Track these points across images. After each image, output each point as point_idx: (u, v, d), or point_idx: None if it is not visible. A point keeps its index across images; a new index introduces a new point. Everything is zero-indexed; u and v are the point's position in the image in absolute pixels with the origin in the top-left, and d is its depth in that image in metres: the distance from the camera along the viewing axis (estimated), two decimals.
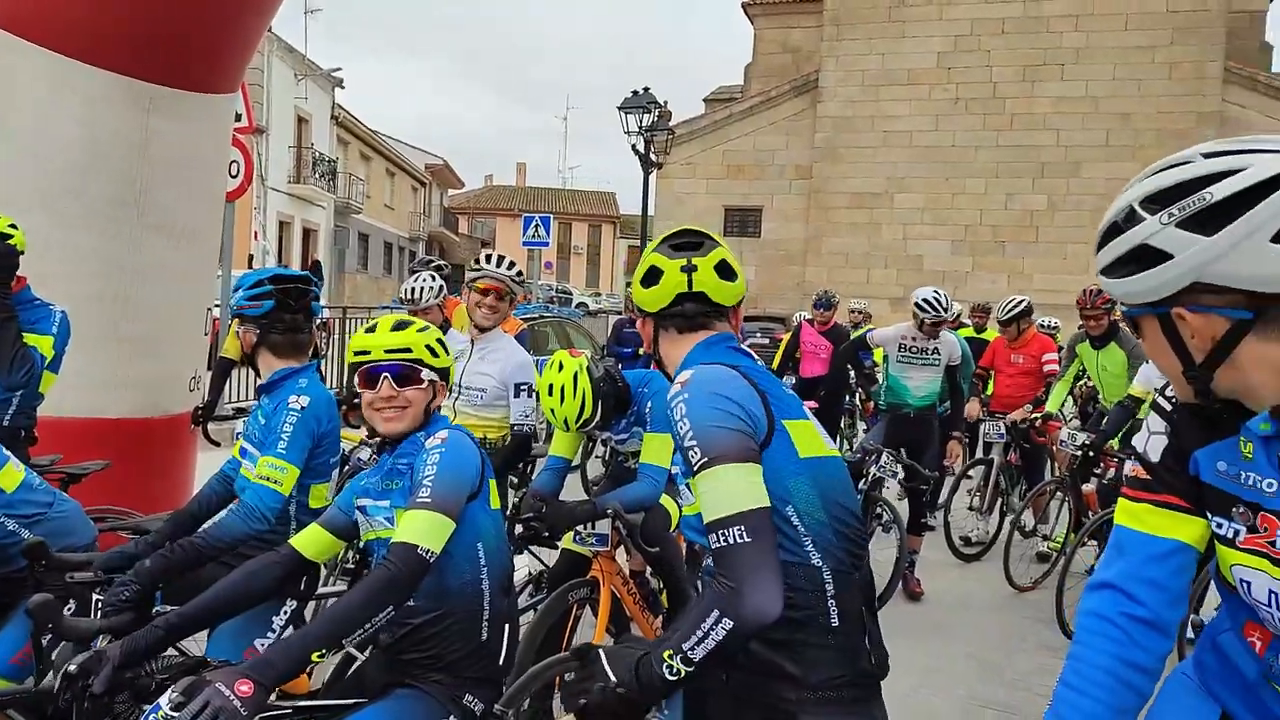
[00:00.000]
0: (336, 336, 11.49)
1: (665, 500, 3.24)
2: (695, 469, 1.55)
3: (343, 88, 30.52)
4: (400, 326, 2.19)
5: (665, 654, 1.49)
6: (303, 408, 2.60)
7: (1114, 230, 1.25)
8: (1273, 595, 1.24)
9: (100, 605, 2.15)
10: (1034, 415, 6.31)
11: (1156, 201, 1.19)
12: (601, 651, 1.56)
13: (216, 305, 5.85)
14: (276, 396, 2.66)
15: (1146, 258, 1.20)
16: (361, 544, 2.26)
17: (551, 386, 3.16)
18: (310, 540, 2.18)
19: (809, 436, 1.67)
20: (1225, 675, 1.43)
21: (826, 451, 1.69)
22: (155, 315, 4.68)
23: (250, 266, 21.02)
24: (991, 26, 23.08)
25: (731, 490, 1.52)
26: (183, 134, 4.71)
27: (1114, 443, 5.34)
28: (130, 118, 4.49)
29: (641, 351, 6.77)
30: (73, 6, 4.26)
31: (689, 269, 1.77)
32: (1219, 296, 1.15)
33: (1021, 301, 6.99)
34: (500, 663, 2.16)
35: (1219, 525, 1.30)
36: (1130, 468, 1.42)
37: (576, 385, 3.12)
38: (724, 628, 1.46)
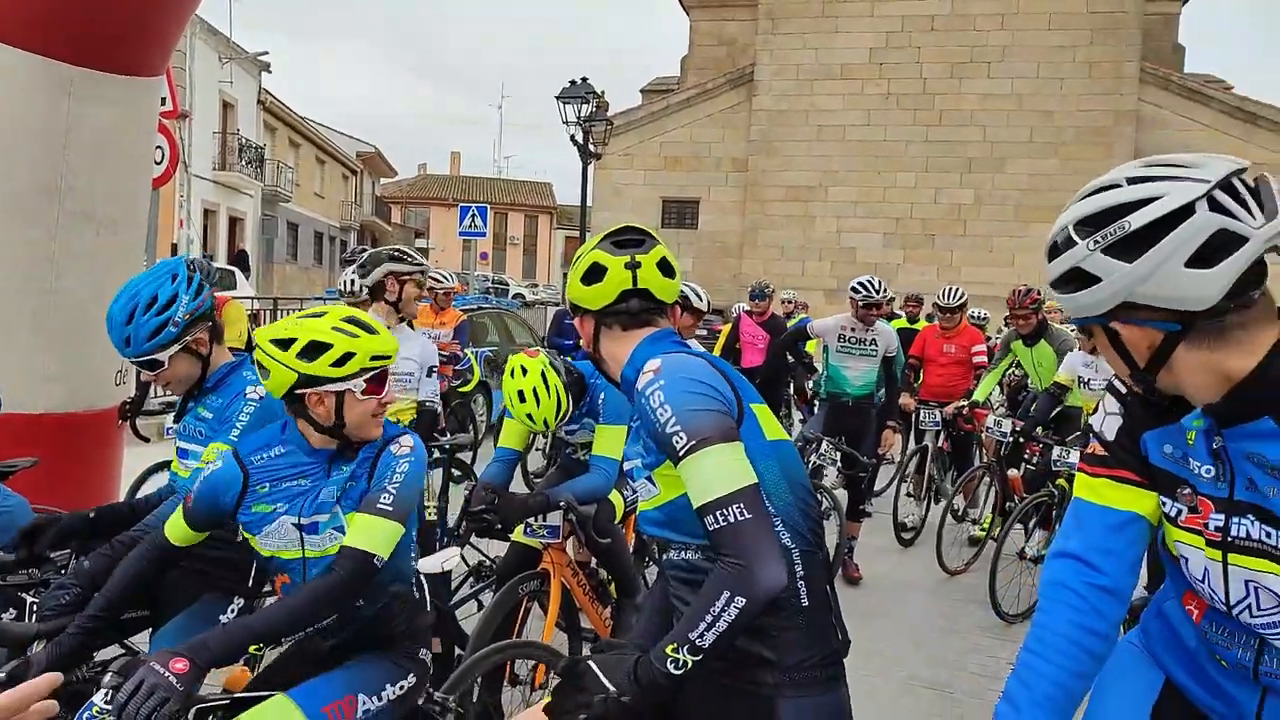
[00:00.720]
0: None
1: (611, 494, 3.26)
2: (681, 454, 1.55)
3: (269, 72, 29.61)
4: (365, 327, 2.07)
5: (668, 649, 1.49)
6: (260, 397, 2.52)
7: (1055, 250, 1.33)
8: (1206, 571, 1.33)
9: (35, 609, 2.08)
10: (961, 404, 6.52)
11: (1088, 225, 1.28)
12: (591, 663, 1.55)
13: None
14: (226, 390, 2.58)
15: (1080, 279, 1.28)
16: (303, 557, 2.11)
17: (522, 393, 3.10)
18: (176, 528, 2.11)
19: (770, 420, 1.71)
20: (1169, 642, 1.52)
21: (784, 434, 1.74)
22: (80, 307, 4.50)
23: (174, 255, 20.31)
24: (921, 24, 23.60)
25: (725, 470, 1.53)
26: (107, 119, 4.53)
27: (1040, 429, 5.54)
28: (51, 101, 4.30)
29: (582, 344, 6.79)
30: None
31: (633, 265, 1.75)
32: (1152, 311, 1.24)
33: (964, 294, 7.22)
34: (426, 608, 2.21)
35: (1165, 504, 1.38)
36: (1090, 445, 1.50)
37: (548, 384, 3.10)
38: (736, 606, 1.47)
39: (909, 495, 6.80)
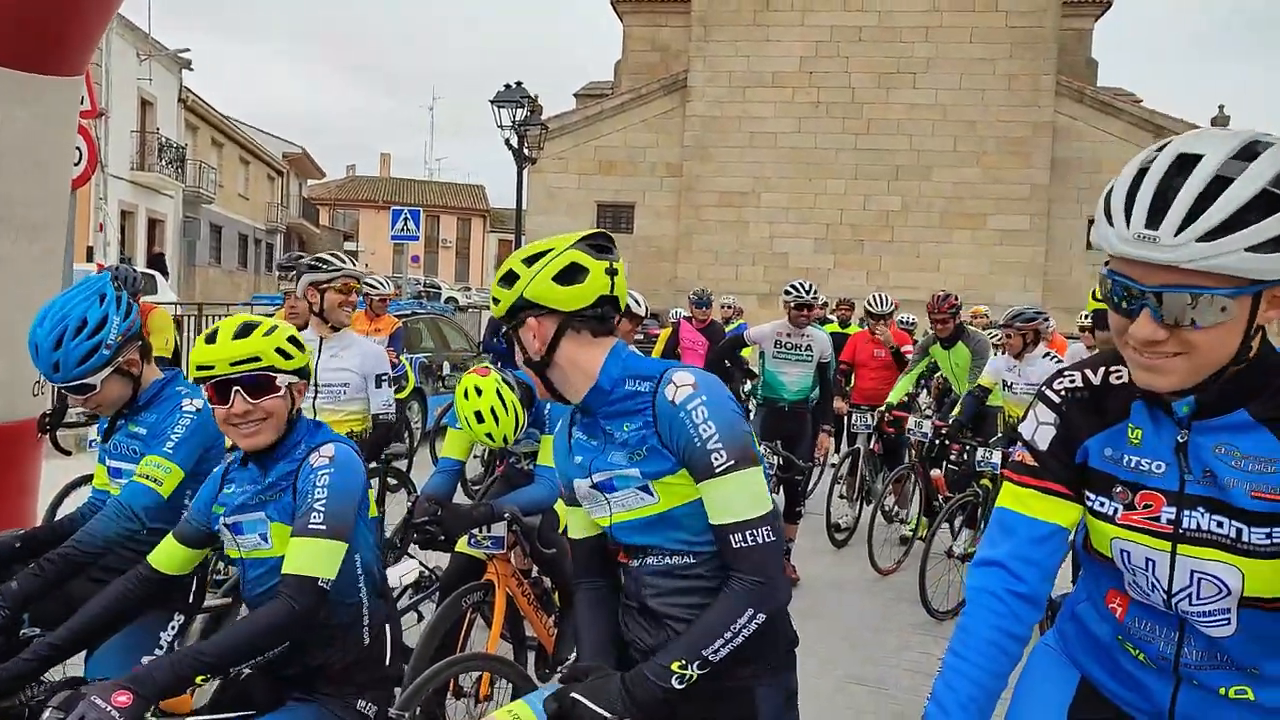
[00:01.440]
0: (190, 335, 10.86)
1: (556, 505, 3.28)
2: (716, 470, 1.61)
3: (190, 69, 28.72)
4: (244, 332, 2.02)
5: (674, 665, 1.57)
6: (197, 410, 2.47)
7: (1274, 200, 1.19)
8: (1150, 562, 1.40)
9: None
10: (882, 408, 6.70)
11: None
12: (576, 694, 1.59)
13: None
14: (160, 406, 2.52)
15: None
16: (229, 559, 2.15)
17: (480, 413, 3.08)
18: (166, 555, 2.09)
19: None
20: (1085, 642, 1.61)
21: None
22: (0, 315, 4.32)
23: (90, 259, 19.51)
24: (849, 34, 24.13)
25: (757, 493, 1.63)
26: (25, 120, 4.36)
27: (963, 431, 5.74)
28: None
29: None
30: None
31: (612, 272, 1.74)
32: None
33: (894, 300, 7.44)
34: (387, 664, 2.13)
35: (1101, 504, 1.44)
36: (1017, 453, 1.54)
37: (504, 402, 3.08)
38: (756, 622, 1.59)
39: (842, 497, 6.96)
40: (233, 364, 1.98)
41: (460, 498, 6.16)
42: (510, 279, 1.73)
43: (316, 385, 4.01)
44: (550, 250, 1.72)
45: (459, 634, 3.21)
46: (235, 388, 1.98)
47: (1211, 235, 1.18)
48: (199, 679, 1.77)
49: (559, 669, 1.95)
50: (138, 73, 25.56)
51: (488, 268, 52.83)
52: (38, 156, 4.50)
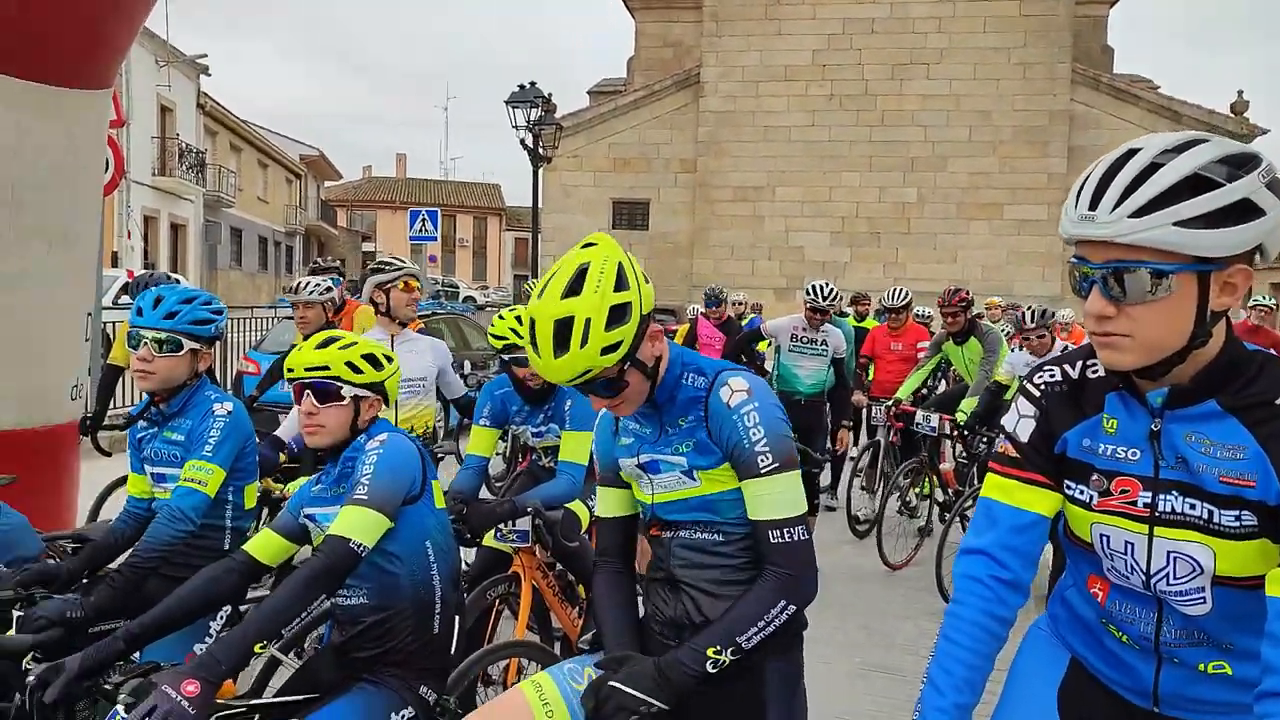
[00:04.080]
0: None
1: (575, 505, 3.38)
2: (762, 471, 1.75)
3: (208, 75, 29.06)
4: (325, 344, 2.25)
5: (709, 650, 1.70)
6: (229, 413, 2.63)
7: (1200, 184, 1.29)
8: (1129, 545, 1.49)
9: (20, 622, 2.14)
10: (889, 402, 6.74)
11: (1228, 164, 1.30)
12: (614, 683, 1.70)
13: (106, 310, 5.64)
14: (192, 411, 2.66)
15: (1249, 211, 1.29)
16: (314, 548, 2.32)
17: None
18: (262, 545, 2.24)
19: None
20: (1073, 624, 1.70)
21: None
22: (33, 323, 4.47)
23: (115, 265, 19.83)
24: (862, 26, 24.05)
25: (794, 494, 1.77)
26: (57, 132, 4.51)
27: (963, 415, 5.80)
28: (1, 116, 4.27)
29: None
30: None
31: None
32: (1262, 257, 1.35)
33: (908, 293, 7.48)
34: (451, 653, 2.27)
35: (1079, 491, 1.53)
36: (999, 445, 1.63)
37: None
38: (787, 613, 1.73)
39: (862, 489, 7.02)
40: (306, 369, 2.20)
41: (483, 494, 6.30)
42: (621, 315, 1.68)
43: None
44: (589, 264, 1.71)
45: (486, 625, 3.32)
46: (306, 391, 2.20)
47: (1141, 212, 1.31)
48: (257, 647, 1.90)
49: (580, 643, 2.08)
50: (157, 79, 25.90)
51: (504, 266, 53.06)
52: (69, 168, 4.65)
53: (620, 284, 1.70)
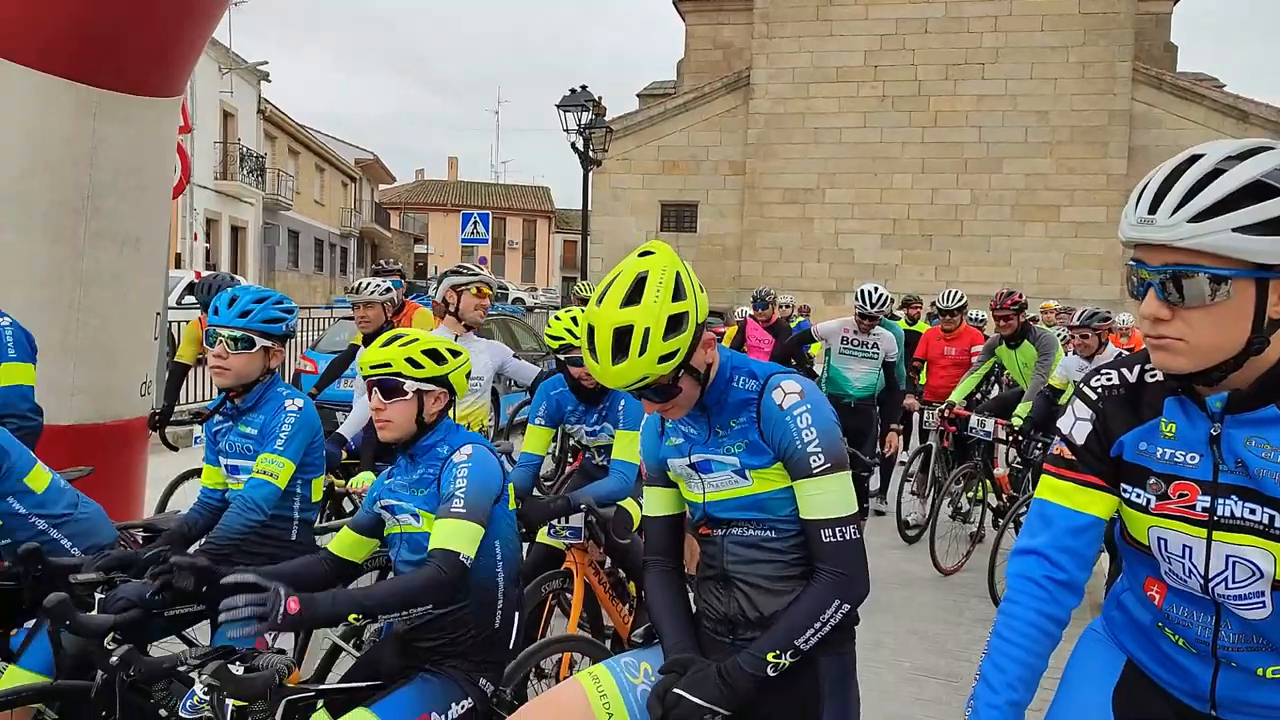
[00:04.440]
0: None
1: (627, 503, 3.43)
2: (814, 471, 1.79)
3: (269, 81, 29.81)
4: (388, 341, 2.34)
5: (769, 655, 1.75)
6: (299, 409, 2.74)
7: (1267, 190, 1.30)
8: (1187, 549, 1.48)
9: (103, 604, 2.25)
10: (942, 406, 6.66)
11: None
12: (678, 690, 1.75)
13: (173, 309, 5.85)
14: (265, 407, 2.76)
15: None
16: (386, 535, 2.43)
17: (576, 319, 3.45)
18: (341, 543, 2.38)
19: None
20: (1129, 627, 1.69)
21: None
22: (105, 322, 4.65)
23: (179, 266, 20.45)
24: (915, 26, 23.77)
25: (846, 495, 1.80)
26: (130, 139, 4.68)
27: (1018, 420, 5.71)
28: (77, 123, 4.44)
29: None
30: (11, 13, 4.19)
31: None
32: None
33: (964, 296, 7.38)
34: (510, 648, 2.35)
35: (1136, 495, 1.53)
36: (1055, 447, 1.63)
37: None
38: (842, 612, 1.76)
39: (913, 494, 6.95)
40: (371, 367, 2.29)
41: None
42: (678, 324, 1.73)
43: None
44: (647, 273, 1.76)
45: (539, 620, 3.38)
46: (374, 388, 2.30)
47: (1201, 216, 1.31)
48: (351, 617, 2.02)
49: (634, 637, 2.14)
50: (220, 86, 26.64)
51: (553, 268, 53.44)
52: (141, 173, 4.83)
53: (678, 294, 1.74)
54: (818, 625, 1.76)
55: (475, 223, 16.15)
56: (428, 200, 52.87)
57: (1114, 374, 1.58)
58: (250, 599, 1.84)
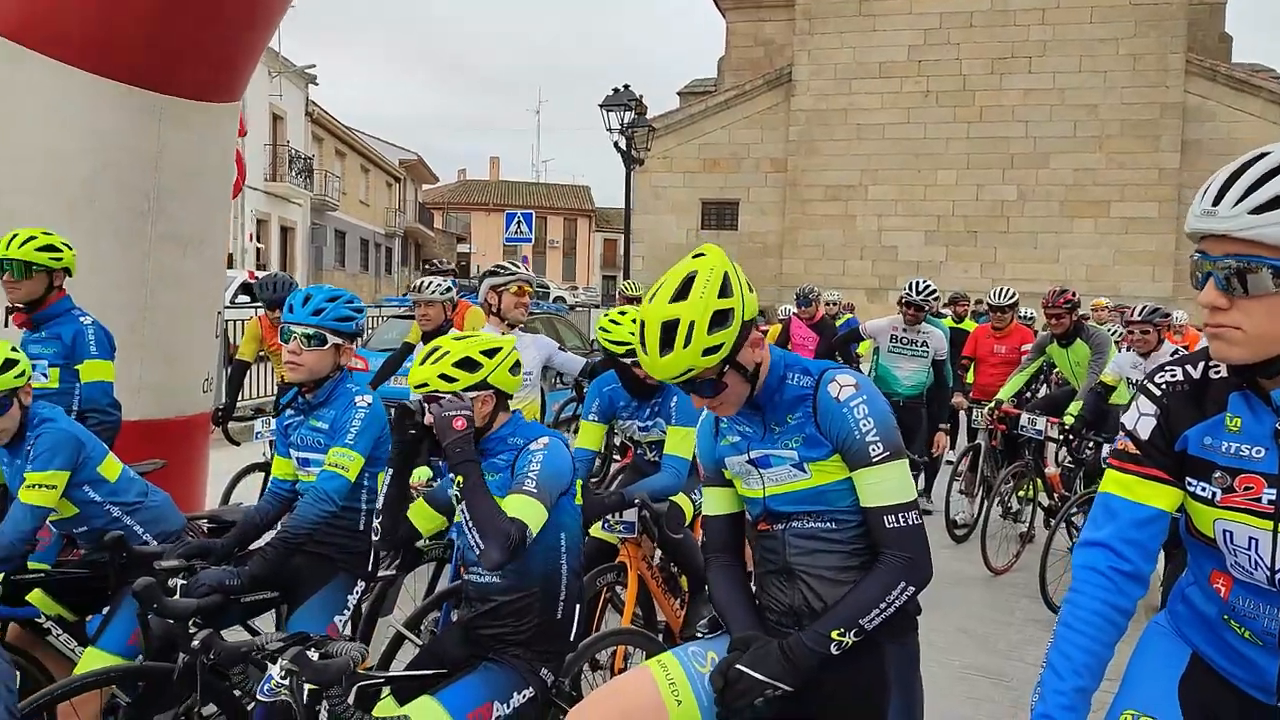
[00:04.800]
0: None
1: (679, 498, 3.48)
2: (874, 460, 1.84)
3: (316, 84, 30.35)
4: (423, 360, 2.41)
5: (833, 633, 1.80)
6: (368, 405, 2.84)
7: None
8: (1253, 541, 1.50)
9: (184, 589, 2.36)
10: (990, 404, 6.58)
11: None
12: (740, 666, 1.80)
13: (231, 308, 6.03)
14: (336, 402, 2.86)
15: None
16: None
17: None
18: (418, 514, 2.50)
19: None
20: (1193, 620, 1.71)
21: None
22: (170, 321, 4.81)
23: (230, 266, 20.92)
24: (960, 20, 23.46)
25: (905, 482, 1.86)
26: (192, 143, 4.83)
27: (1070, 419, 5.64)
28: (143, 129, 4.59)
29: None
30: (80, 20, 4.33)
31: None
32: None
33: (1015, 293, 7.30)
34: (570, 639, 2.41)
35: (1201, 488, 1.55)
36: (1119, 442, 1.66)
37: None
38: (907, 594, 1.82)
39: (961, 493, 6.90)
40: (416, 388, 2.38)
41: None
42: (723, 319, 1.81)
43: None
44: (696, 272, 1.84)
45: (593, 613, 3.44)
46: (424, 404, 2.36)
47: (1263, 209, 1.36)
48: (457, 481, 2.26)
49: (699, 628, 2.19)
50: (269, 89, 27.19)
51: (593, 267, 53.66)
52: (202, 176, 4.98)
53: (724, 291, 1.83)
54: (883, 606, 1.80)
55: (519, 222, 16.30)
56: (470, 200, 53.40)
57: (1178, 370, 1.60)
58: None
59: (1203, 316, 1.46)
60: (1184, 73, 22.01)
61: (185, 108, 4.77)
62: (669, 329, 1.80)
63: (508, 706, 2.26)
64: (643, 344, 1.84)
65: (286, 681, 1.87)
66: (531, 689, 2.32)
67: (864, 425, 1.84)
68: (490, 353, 2.41)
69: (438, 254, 46.27)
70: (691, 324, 1.78)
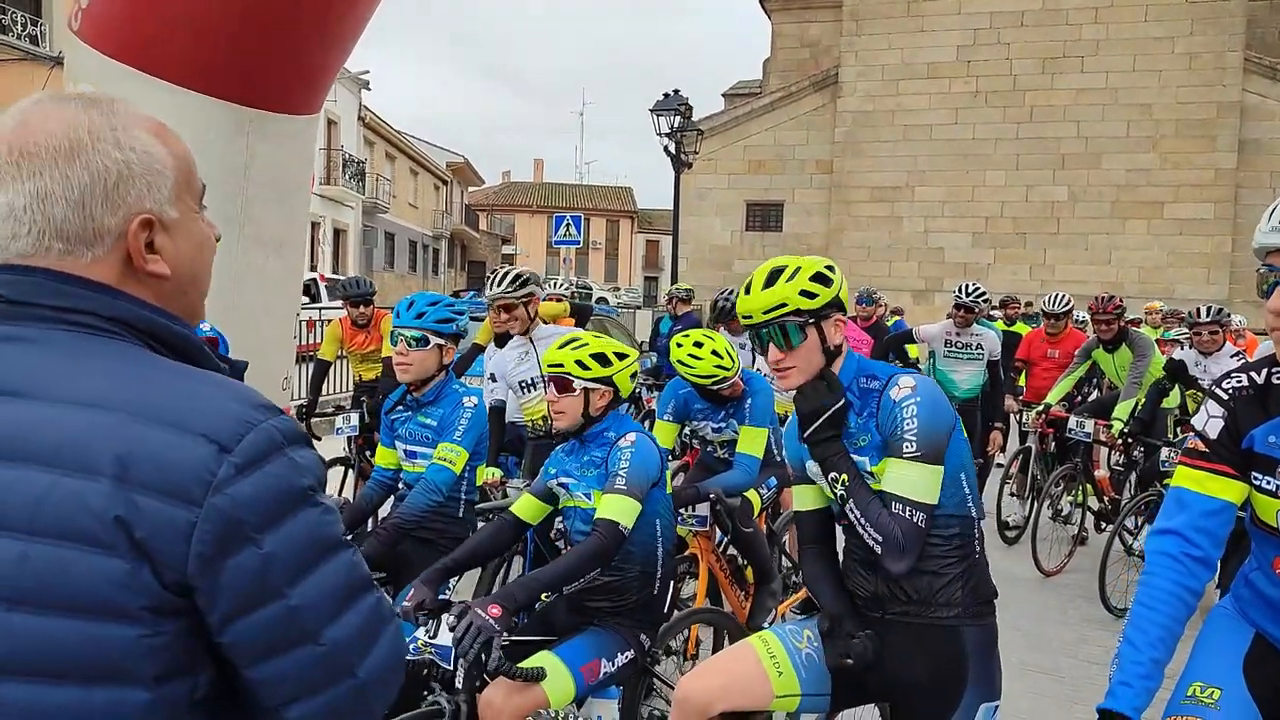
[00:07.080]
0: None
1: (749, 493, 3.66)
2: (904, 455, 1.99)
3: (369, 89, 30.95)
4: (562, 344, 2.66)
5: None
6: (474, 405, 3.09)
7: None
8: None
9: None
10: (1039, 408, 6.61)
11: None
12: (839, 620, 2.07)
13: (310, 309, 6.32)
14: (445, 402, 3.09)
15: None
16: (561, 507, 2.77)
17: (700, 344, 3.63)
18: (524, 507, 2.70)
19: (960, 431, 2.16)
20: (1256, 602, 1.87)
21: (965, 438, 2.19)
22: (255, 321, 5.10)
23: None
24: (1010, 19, 23.25)
25: (928, 486, 1.98)
26: (277, 153, 5.11)
27: (1118, 423, 5.69)
28: (234, 141, 4.88)
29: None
30: (177, 38, 4.62)
31: None
32: None
33: (1070, 300, 7.33)
34: (665, 611, 2.67)
35: (1266, 482, 1.72)
36: (1190, 441, 1.84)
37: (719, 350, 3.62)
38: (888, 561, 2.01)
39: (1012, 495, 6.96)
40: (549, 366, 2.62)
41: None
42: (825, 279, 2.08)
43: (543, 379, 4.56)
44: (814, 268, 2.10)
45: None
46: (550, 382, 2.63)
47: None
48: (544, 595, 2.35)
49: (791, 610, 2.44)
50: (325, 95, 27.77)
51: (635, 268, 53.89)
52: (284, 184, 5.26)
53: (828, 268, 2.10)
54: (873, 531, 2.01)
55: (568, 225, 16.50)
56: (514, 201, 53.95)
57: (1244, 377, 1.77)
58: (459, 634, 2.14)
59: (1268, 322, 1.60)
60: (1242, 71, 21.58)
61: (272, 120, 5.05)
62: (776, 272, 2.06)
63: (613, 664, 2.54)
64: (747, 289, 2.08)
65: (435, 640, 2.16)
66: (632, 650, 2.59)
67: (908, 424, 1.98)
68: (622, 355, 2.68)
69: (483, 255, 46.82)
70: (798, 269, 2.05)
